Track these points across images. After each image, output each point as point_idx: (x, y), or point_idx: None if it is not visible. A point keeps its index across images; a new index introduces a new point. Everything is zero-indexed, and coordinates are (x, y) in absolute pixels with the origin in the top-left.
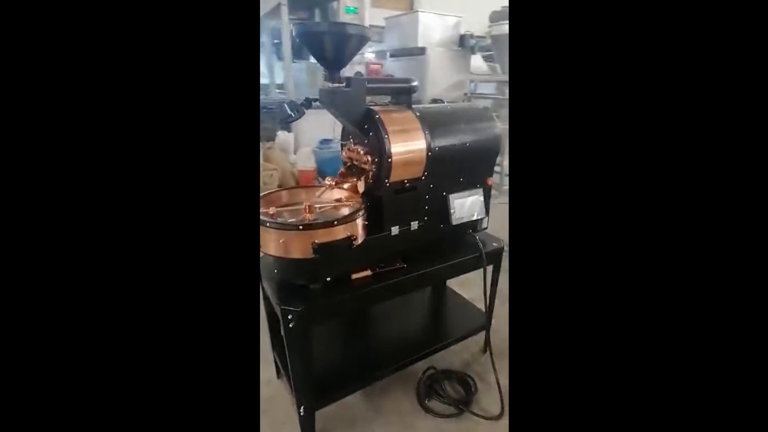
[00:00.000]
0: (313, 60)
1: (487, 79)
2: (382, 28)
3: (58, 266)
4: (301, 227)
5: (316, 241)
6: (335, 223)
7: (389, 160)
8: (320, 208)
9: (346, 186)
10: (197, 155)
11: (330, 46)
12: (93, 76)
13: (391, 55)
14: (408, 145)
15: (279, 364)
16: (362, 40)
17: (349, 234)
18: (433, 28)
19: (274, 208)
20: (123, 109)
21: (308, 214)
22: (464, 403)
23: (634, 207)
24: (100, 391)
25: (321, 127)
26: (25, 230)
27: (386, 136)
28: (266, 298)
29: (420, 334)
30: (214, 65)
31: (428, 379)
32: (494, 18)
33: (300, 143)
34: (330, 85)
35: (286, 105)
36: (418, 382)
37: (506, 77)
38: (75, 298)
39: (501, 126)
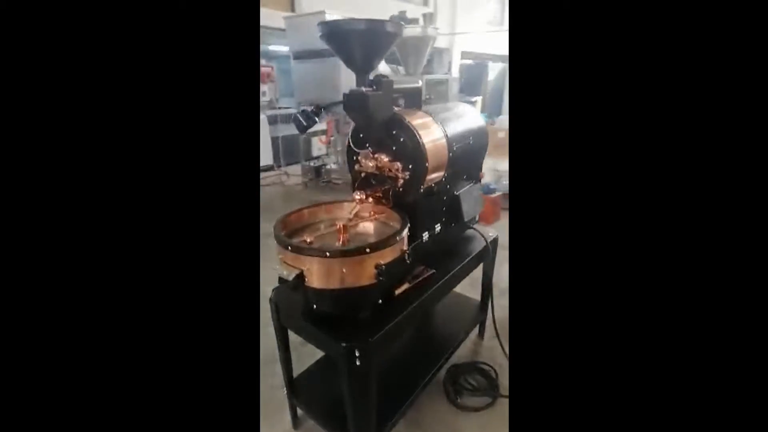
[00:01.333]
0: None
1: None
2: (275, 29)
3: (52, 278)
4: (368, 250)
5: (382, 262)
6: (398, 238)
7: (426, 165)
8: (350, 226)
9: (371, 198)
10: (195, 166)
11: (362, 45)
12: (92, 74)
13: (296, 58)
14: (437, 148)
15: (305, 411)
16: (395, 38)
17: (402, 249)
18: None
19: (309, 235)
20: (123, 115)
21: (344, 235)
22: (494, 389)
23: (625, 182)
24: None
25: None
26: (25, 238)
27: (422, 141)
28: (283, 343)
29: (435, 338)
30: (215, 71)
31: (450, 377)
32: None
33: None
34: (363, 89)
35: (297, 114)
36: (444, 383)
37: (413, 79)
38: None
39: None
